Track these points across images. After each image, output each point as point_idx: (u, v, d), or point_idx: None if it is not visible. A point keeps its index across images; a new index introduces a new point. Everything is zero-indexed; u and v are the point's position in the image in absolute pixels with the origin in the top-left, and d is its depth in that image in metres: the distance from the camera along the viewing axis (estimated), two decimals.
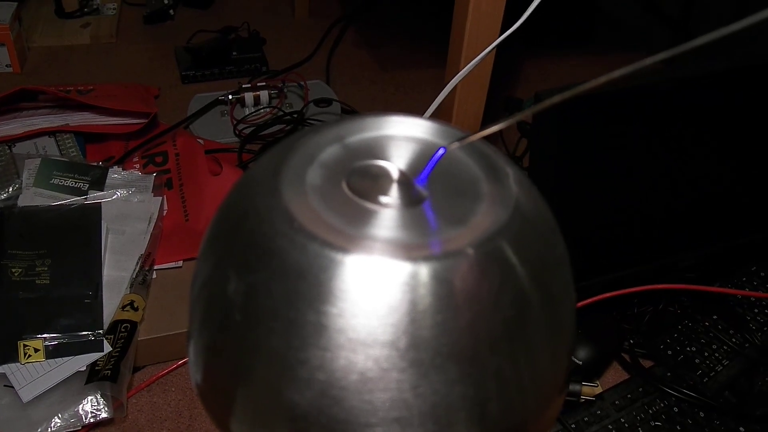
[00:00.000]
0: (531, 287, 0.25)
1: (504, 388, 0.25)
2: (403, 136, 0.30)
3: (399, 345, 0.23)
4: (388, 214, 0.26)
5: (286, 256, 0.24)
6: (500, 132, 1.19)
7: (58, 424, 0.70)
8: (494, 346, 0.24)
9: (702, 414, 0.78)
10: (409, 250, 0.24)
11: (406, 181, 0.28)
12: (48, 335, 0.75)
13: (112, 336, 0.76)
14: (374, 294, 0.23)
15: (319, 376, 0.24)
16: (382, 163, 0.29)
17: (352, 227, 0.25)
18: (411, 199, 0.27)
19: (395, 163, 0.29)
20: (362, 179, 0.28)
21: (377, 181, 0.28)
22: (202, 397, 0.31)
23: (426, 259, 0.24)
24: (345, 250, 0.24)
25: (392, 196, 0.27)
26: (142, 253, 0.85)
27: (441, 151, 0.28)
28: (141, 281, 0.83)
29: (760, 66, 0.76)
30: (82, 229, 0.84)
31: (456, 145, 0.29)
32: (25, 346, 0.74)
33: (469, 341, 0.24)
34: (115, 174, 0.93)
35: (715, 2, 1.40)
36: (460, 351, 0.24)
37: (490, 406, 0.24)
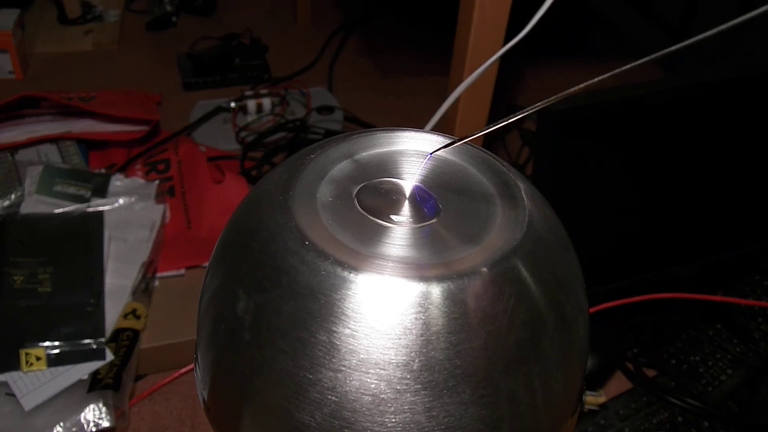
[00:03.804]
0: (545, 307, 0.25)
1: (517, 410, 0.24)
2: (414, 152, 0.30)
3: (412, 366, 0.23)
4: (400, 232, 0.26)
5: (296, 275, 0.24)
6: (503, 140, 1.19)
7: None
8: (508, 367, 0.24)
9: (706, 423, 0.78)
10: (421, 269, 0.24)
11: (418, 198, 0.28)
12: (50, 343, 0.75)
13: (114, 344, 0.76)
14: (387, 314, 0.23)
15: (331, 397, 0.23)
16: (393, 179, 0.29)
17: (364, 246, 0.25)
18: (423, 216, 0.27)
19: (406, 179, 0.29)
20: (374, 196, 0.28)
21: (389, 198, 0.28)
22: (208, 413, 0.30)
23: (439, 278, 0.23)
24: (356, 269, 0.24)
25: (404, 214, 0.27)
26: (145, 260, 0.84)
27: (428, 155, 0.29)
28: (143, 289, 0.83)
29: (760, 76, 0.76)
30: (84, 237, 0.84)
31: (440, 150, 0.29)
32: (26, 354, 0.74)
33: (483, 362, 0.23)
34: (117, 181, 0.93)
35: (714, 11, 1.40)
36: (474, 372, 0.23)
37: (504, 427, 0.24)
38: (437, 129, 0.42)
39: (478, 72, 0.63)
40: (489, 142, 1.18)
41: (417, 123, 0.54)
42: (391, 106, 1.33)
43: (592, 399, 0.77)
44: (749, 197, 0.86)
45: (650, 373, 0.84)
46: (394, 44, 1.54)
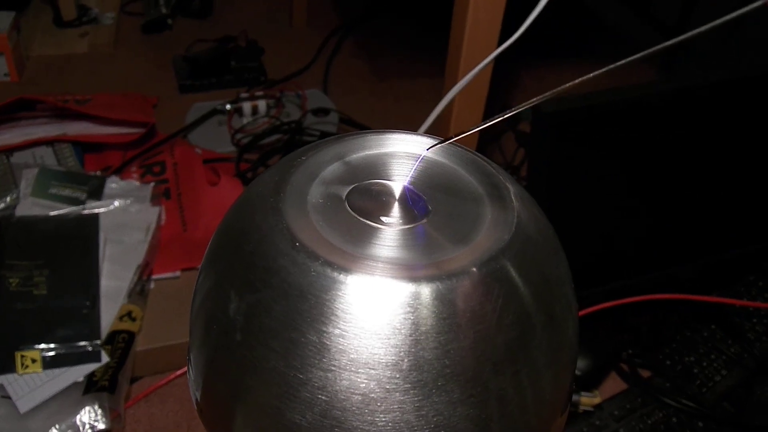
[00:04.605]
0: (534, 307, 0.25)
1: (506, 409, 0.25)
2: (404, 154, 0.30)
3: (402, 366, 0.23)
4: (389, 233, 0.26)
5: (287, 276, 0.24)
6: (498, 142, 1.19)
7: None
8: (497, 366, 0.24)
9: (701, 424, 0.78)
10: (411, 270, 0.24)
11: (407, 199, 0.28)
12: (45, 346, 0.75)
13: (109, 346, 0.76)
14: (376, 314, 0.23)
15: (321, 396, 0.24)
16: (383, 181, 0.29)
17: (354, 247, 0.25)
18: (413, 217, 0.27)
19: (397, 181, 0.29)
20: (364, 198, 0.28)
21: (379, 200, 0.28)
22: (201, 413, 0.30)
23: (428, 279, 0.24)
24: (347, 270, 0.24)
25: (394, 215, 0.27)
26: (140, 263, 0.84)
27: (420, 157, 0.29)
28: (139, 291, 0.83)
29: (757, 77, 0.76)
30: (80, 239, 0.84)
31: (433, 149, 0.30)
32: (22, 356, 0.74)
33: (471, 362, 0.24)
34: (113, 184, 0.93)
35: (711, 12, 1.40)
36: (463, 372, 0.23)
37: (493, 426, 0.24)
38: (432, 131, 0.42)
39: (471, 74, 0.63)
40: (483, 144, 1.18)
41: (412, 125, 0.55)
42: (386, 108, 1.33)
43: (587, 400, 0.77)
44: (746, 197, 0.87)
45: (645, 373, 0.85)
46: (390, 46, 1.55)
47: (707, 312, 0.91)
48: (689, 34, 0.25)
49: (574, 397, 0.73)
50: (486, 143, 1.18)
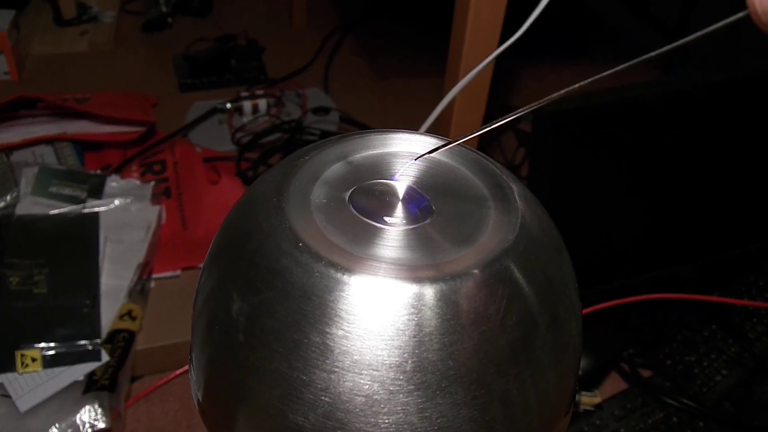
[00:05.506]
0: (538, 308, 0.25)
1: (510, 410, 0.25)
2: (407, 153, 0.30)
3: (405, 368, 0.23)
4: (393, 233, 0.26)
5: (290, 277, 0.24)
6: (499, 141, 1.19)
7: None
8: (501, 367, 0.24)
9: (701, 424, 0.78)
10: (414, 270, 0.24)
11: (411, 199, 0.28)
12: (45, 345, 0.75)
13: (110, 345, 0.76)
14: (380, 315, 0.23)
15: (324, 398, 0.23)
16: (386, 181, 0.29)
17: (357, 247, 0.25)
18: (416, 218, 0.27)
19: (400, 181, 0.29)
20: (367, 198, 0.28)
21: (382, 200, 0.28)
22: (202, 414, 0.30)
23: (432, 280, 0.24)
24: (350, 270, 0.24)
25: (397, 216, 0.27)
26: (140, 262, 0.84)
27: (413, 160, 0.30)
28: (139, 290, 0.83)
29: (757, 77, 0.76)
30: (80, 238, 0.84)
31: (428, 153, 0.30)
32: (22, 355, 0.74)
33: (475, 363, 0.23)
34: (113, 182, 0.93)
35: (711, 14, 1.40)
36: (467, 373, 0.23)
37: (497, 427, 0.24)
38: (432, 130, 0.42)
39: (472, 73, 0.63)
40: (484, 144, 1.18)
41: (413, 124, 0.54)
42: (387, 107, 1.33)
43: (588, 399, 0.77)
44: (746, 197, 0.86)
45: (646, 373, 0.85)
46: (390, 45, 1.54)
47: (707, 312, 0.91)
48: (689, 38, 0.25)
49: (575, 397, 0.73)
50: (487, 143, 1.18)
